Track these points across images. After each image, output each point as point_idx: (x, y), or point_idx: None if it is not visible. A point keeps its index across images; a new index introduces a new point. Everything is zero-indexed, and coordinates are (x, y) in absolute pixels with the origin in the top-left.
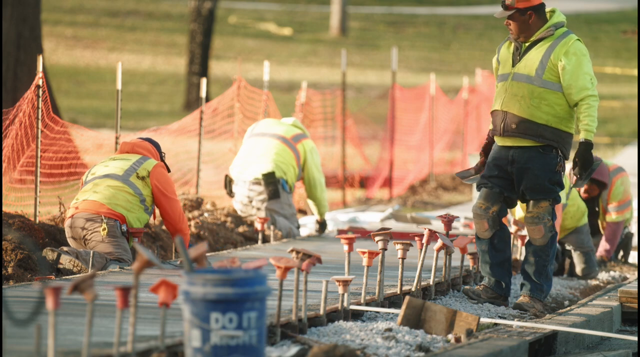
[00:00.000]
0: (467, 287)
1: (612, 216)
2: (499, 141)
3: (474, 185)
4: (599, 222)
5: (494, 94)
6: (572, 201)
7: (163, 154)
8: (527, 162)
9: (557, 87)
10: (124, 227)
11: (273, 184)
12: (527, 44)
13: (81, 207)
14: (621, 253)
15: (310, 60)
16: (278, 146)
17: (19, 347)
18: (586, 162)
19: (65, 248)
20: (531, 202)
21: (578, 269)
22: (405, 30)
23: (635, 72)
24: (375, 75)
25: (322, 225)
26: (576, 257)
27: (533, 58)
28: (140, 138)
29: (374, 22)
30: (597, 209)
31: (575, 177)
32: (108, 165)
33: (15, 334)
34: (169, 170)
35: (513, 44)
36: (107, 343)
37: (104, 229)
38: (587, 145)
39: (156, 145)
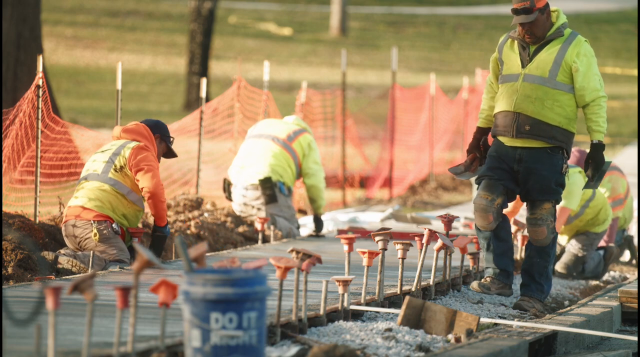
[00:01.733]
0: (475, 282)
1: None
2: (507, 141)
3: (474, 185)
4: None
5: (489, 93)
6: (595, 204)
7: (171, 139)
8: (535, 163)
9: (568, 89)
10: (115, 226)
11: (270, 189)
12: (535, 45)
13: (70, 213)
14: (628, 256)
15: (310, 60)
16: (274, 149)
17: (19, 347)
18: (599, 163)
19: (62, 251)
20: (534, 203)
21: (559, 265)
22: (405, 30)
23: (635, 72)
24: (375, 75)
25: (318, 222)
26: (567, 253)
27: (545, 59)
28: (144, 121)
29: (374, 22)
30: None
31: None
32: (90, 160)
33: (15, 334)
34: (173, 155)
35: (517, 44)
36: (107, 343)
37: (95, 235)
38: (600, 147)
39: (155, 126)
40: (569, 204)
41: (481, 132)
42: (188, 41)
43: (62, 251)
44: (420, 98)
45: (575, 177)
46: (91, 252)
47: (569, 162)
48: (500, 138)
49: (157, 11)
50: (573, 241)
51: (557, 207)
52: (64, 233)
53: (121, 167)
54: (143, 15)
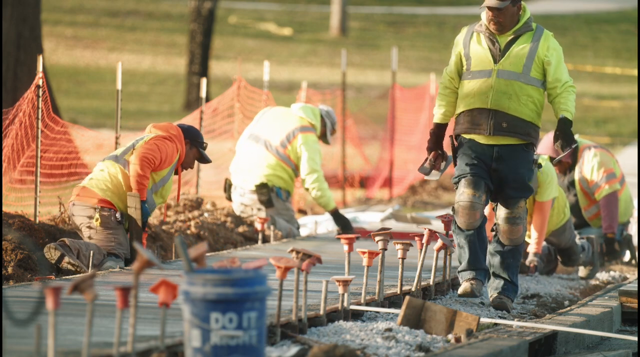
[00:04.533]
0: (467, 285)
1: (600, 191)
2: (481, 140)
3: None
4: (582, 211)
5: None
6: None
7: (204, 144)
8: (513, 160)
9: (540, 84)
10: (119, 215)
11: (266, 194)
12: (504, 39)
13: (76, 195)
14: (628, 256)
15: (310, 60)
16: (268, 158)
17: (19, 347)
18: (568, 135)
19: (67, 241)
20: (509, 201)
21: (562, 260)
22: (405, 30)
23: (635, 72)
24: (375, 75)
25: (336, 218)
26: (559, 251)
27: (518, 54)
28: (179, 124)
29: (374, 22)
30: (567, 180)
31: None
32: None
33: (15, 334)
34: (207, 161)
35: (484, 38)
36: (107, 343)
37: (97, 220)
38: (567, 121)
39: (188, 131)
40: (550, 194)
41: (441, 129)
42: (188, 41)
43: (66, 241)
44: (420, 98)
45: (547, 167)
46: (91, 252)
47: (539, 150)
48: (474, 136)
49: (157, 11)
50: (556, 244)
51: (541, 202)
52: (69, 213)
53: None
54: (143, 15)
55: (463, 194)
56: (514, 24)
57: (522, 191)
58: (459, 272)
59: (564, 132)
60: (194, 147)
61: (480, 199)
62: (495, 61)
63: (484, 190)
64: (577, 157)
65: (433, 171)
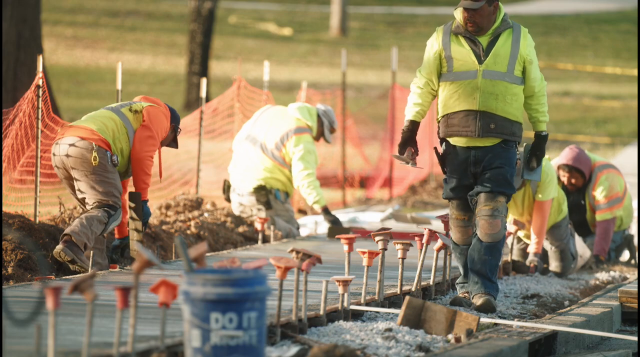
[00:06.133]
0: (459, 296)
1: (601, 214)
2: (464, 143)
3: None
4: (588, 221)
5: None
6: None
7: (179, 130)
8: (491, 159)
9: (521, 81)
10: (115, 158)
11: (264, 196)
12: (486, 39)
13: (68, 132)
14: (628, 256)
15: (310, 60)
16: (264, 161)
17: (19, 347)
18: (543, 153)
19: (72, 237)
20: (489, 195)
21: (553, 265)
22: (405, 30)
23: (635, 72)
24: (375, 75)
25: (326, 215)
26: (551, 253)
27: (502, 53)
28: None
29: (374, 22)
30: (582, 202)
31: (526, 169)
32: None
33: (15, 334)
34: (175, 146)
35: (464, 40)
36: (107, 343)
37: (94, 158)
38: (546, 138)
39: (174, 115)
40: (551, 193)
41: (415, 126)
42: (188, 41)
43: (72, 237)
44: None
45: (547, 167)
46: (91, 252)
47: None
48: (456, 139)
49: (157, 11)
50: (550, 241)
51: (541, 202)
52: (52, 157)
53: (136, 111)
54: (143, 15)
55: (453, 215)
56: (491, 24)
57: (501, 186)
58: (456, 284)
59: (542, 151)
60: (173, 132)
61: (470, 221)
62: (480, 61)
63: (473, 208)
64: (590, 177)
65: (410, 163)
